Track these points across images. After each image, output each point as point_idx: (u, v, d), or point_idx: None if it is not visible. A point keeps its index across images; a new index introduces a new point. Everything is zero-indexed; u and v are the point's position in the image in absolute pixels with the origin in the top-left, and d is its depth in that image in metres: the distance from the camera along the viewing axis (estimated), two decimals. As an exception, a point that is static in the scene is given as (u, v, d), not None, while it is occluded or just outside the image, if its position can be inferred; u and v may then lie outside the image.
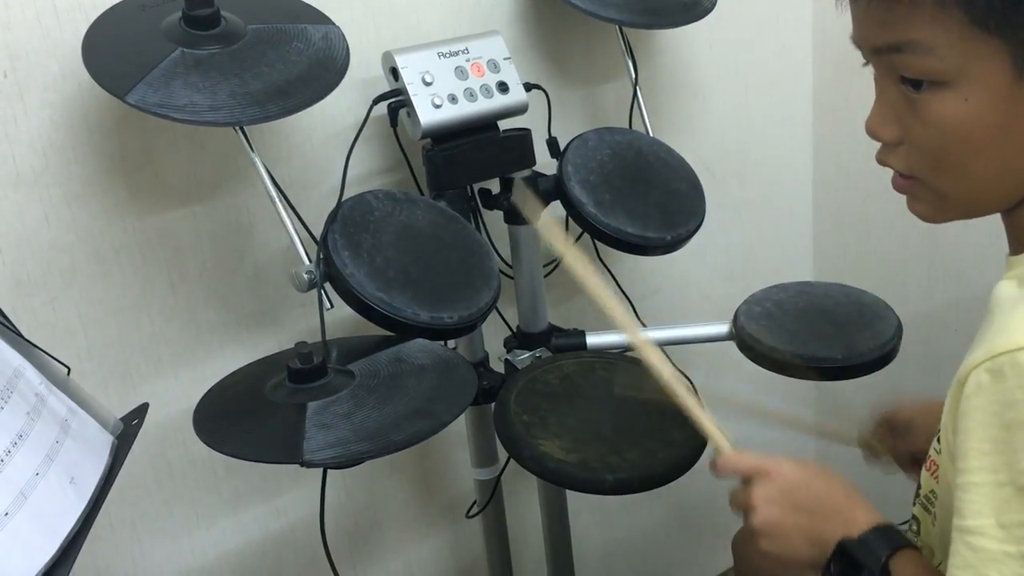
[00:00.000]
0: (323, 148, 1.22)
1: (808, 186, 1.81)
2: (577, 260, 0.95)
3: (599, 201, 1.23)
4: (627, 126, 1.42)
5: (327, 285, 1.05)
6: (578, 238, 1.38)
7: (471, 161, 1.18)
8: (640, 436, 1.04)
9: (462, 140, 1.17)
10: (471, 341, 1.26)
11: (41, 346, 0.80)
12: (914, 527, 0.84)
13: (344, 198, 1.10)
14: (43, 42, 1.01)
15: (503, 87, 1.18)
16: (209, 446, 0.90)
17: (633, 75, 1.37)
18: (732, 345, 1.26)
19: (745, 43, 1.61)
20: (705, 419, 0.87)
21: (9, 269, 1.05)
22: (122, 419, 0.84)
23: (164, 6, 1.01)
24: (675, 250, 1.27)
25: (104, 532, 1.18)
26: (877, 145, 0.77)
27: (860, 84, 0.84)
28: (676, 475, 1.00)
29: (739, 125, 1.66)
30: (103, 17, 1.00)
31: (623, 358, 1.20)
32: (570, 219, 1.27)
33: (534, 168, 1.23)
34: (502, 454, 1.28)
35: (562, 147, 1.28)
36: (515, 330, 1.34)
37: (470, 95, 1.16)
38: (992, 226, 0.77)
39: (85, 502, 0.71)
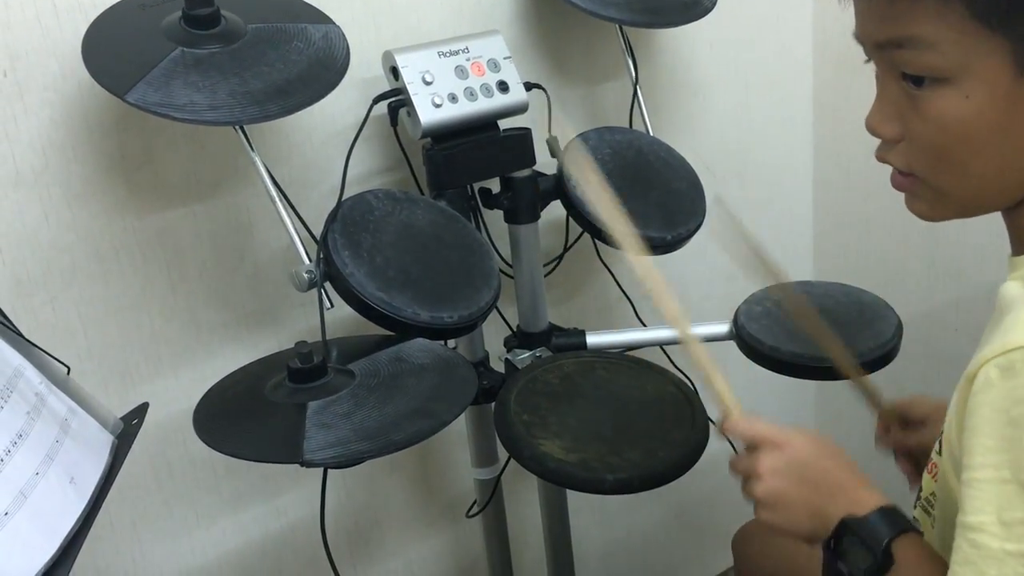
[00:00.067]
0: (323, 147, 1.22)
1: (808, 186, 1.81)
2: (608, 203, 0.93)
3: (599, 200, 1.23)
4: (627, 125, 1.42)
5: (327, 285, 1.04)
6: (579, 237, 1.38)
7: (471, 160, 1.18)
8: (640, 436, 1.04)
9: (462, 139, 1.17)
10: (471, 341, 1.26)
11: (41, 346, 0.80)
12: None
13: (344, 197, 1.10)
14: (43, 41, 1.01)
15: (503, 86, 1.18)
16: (209, 446, 0.90)
17: (633, 74, 1.37)
18: (733, 345, 1.25)
19: (745, 42, 1.61)
20: (718, 377, 0.85)
21: (9, 269, 1.05)
22: (122, 419, 0.84)
23: (164, 5, 1.01)
24: (675, 249, 1.27)
25: (104, 532, 1.18)
26: (877, 145, 0.77)
27: (860, 84, 0.84)
28: (676, 475, 1.00)
29: (739, 125, 1.66)
30: (103, 16, 1.00)
31: (624, 358, 1.20)
32: (571, 218, 1.27)
33: (534, 168, 1.23)
34: (502, 454, 1.28)
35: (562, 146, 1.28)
36: (515, 329, 1.34)
37: (470, 94, 1.16)
38: (992, 226, 0.77)
39: (85, 502, 0.71)
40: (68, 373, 0.83)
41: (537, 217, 1.25)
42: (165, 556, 1.24)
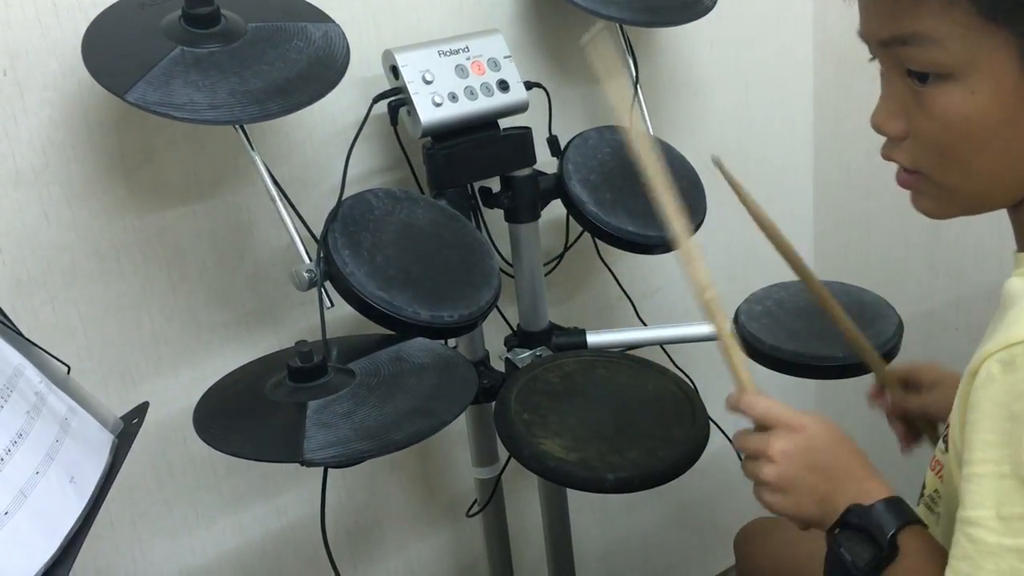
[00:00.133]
0: (323, 147, 1.22)
1: (809, 185, 1.81)
2: (643, 142, 0.92)
3: (600, 200, 1.23)
4: (628, 125, 1.42)
5: (327, 284, 1.04)
6: (579, 237, 1.38)
7: (471, 160, 1.18)
8: (641, 435, 1.04)
9: (462, 138, 1.17)
10: (471, 340, 1.26)
11: (41, 345, 0.80)
12: None
13: (344, 197, 1.10)
14: (43, 40, 1.01)
15: (503, 85, 1.18)
16: (209, 445, 0.90)
17: (634, 73, 1.37)
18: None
19: (746, 42, 1.61)
20: (737, 352, 0.83)
21: (9, 268, 1.05)
22: (122, 418, 0.84)
23: (164, 4, 1.01)
24: (676, 248, 1.27)
25: (104, 531, 1.18)
26: (878, 145, 0.77)
27: (861, 83, 0.84)
28: (677, 474, 1.00)
29: (740, 124, 1.66)
30: (103, 16, 1.00)
31: (624, 357, 1.20)
32: (571, 218, 1.27)
33: (535, 167, 1.23)
34: (503, 453, 1.28)
35: (562, 146, 1.28)
36: (515, 329, 1.34)
37: (470, 93, 1.16)
38: (993, 225, 0.77)
39: (85, 501, 0.71)
40: (68, 372, 0.83)
41: (537, 216, 1.25)
42: (165, 555, 1.24)
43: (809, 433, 0.77)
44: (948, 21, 0.64)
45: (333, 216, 1.07)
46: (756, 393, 0.82)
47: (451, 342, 1.18)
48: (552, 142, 1.29)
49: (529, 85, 1.22)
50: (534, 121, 1.26)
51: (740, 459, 1.29)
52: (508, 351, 1.31)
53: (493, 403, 1.13)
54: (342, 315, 1.10)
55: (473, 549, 1.54)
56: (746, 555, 1.22)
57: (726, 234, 1.67)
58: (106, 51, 0.96)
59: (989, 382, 0.63)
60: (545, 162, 1.27)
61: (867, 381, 1.19)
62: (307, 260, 1.04)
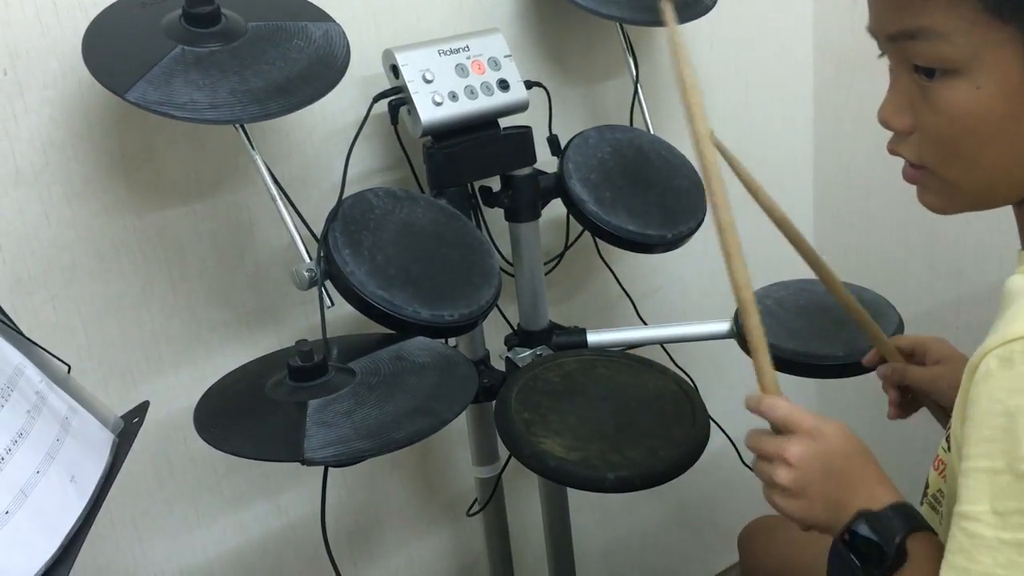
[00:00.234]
0: (323, 146, 1.22)
1: (809, 185, 1.81)
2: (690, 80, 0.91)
3: (600, 199, 1.23)
4: (628, 124, 1.42)
5: (328, 283, 1.04)
6: (579, 236, 1.38)
7: (472, 159, 1.18)
8: (641, 434, 1.04)
9: (463, 138, 1.17)
10: (472, 339, 1.26)
11: (41, 344, 0.80)
12: None
13: (345, 196, 1.10)
14: (43, 40, 1.01)
15: (504, 85, 1.18)
16: (210, 444, 0.90)
17: (634, 73, 1.37)
18: (733, 343, 1.25)
19: (746, 41, 1.61)
20: (764, 349, 0.82)
21: (9, 267, 1.05)
22: (123, 417, 0.84)
23: (164, 3, 1.01)
24: (676, 248, 1.27)
25: (105, 530, 1.18)
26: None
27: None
28: (677, 473, 1.00)
29: (740, 123, 1.66)
30: (103, 15, 1.00)
31: (624, 356, 1.20)
32: (571, 217, 1.27)
33: (535, 166, 1.23)
34: (503, 452, 1.28)
35: (563, 145, 1.28)
36: (516, 328, 1.34)
37: (471, 93, 1.16)
38: (994, 224, 0.77)
39: (86, 500, 0.71)
40: (69, 371, 0.83)
41: (538, 215, 1.25)
42: (166, 554, 1.24)
43: (827, 439, 0.77)
44: (955, 16, 0.65)
45: (333, 215, 1.07)
46: (778, 395, 0.81)
47: (451, 341, 1.18)
48: (552, 141, 1.29)
49: (529, 84, 1.22)
50: (534, 120, 1.26)
51: (739, 455, 1.29)
52: (508, 350, 1.31)
53: (493, 402, 1.13)
54: (342, 314, 1.10)
55: (473, 548, 1.54)
56: (750, 552, 1.22)
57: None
58: (106, 50, 0.96)
59: (987, 378, 0.64)
60: (545, 161, 1.27)
61: (868, 379, 1.19)
62: (307, 259, 1.04)
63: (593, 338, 1.29)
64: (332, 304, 1.04)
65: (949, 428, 0.75)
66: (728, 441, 1.51)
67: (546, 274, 1.32)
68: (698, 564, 1.88)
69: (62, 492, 0.70)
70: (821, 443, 0.77)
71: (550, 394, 1.10)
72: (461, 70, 1.16)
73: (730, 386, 1.72)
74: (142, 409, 0.86)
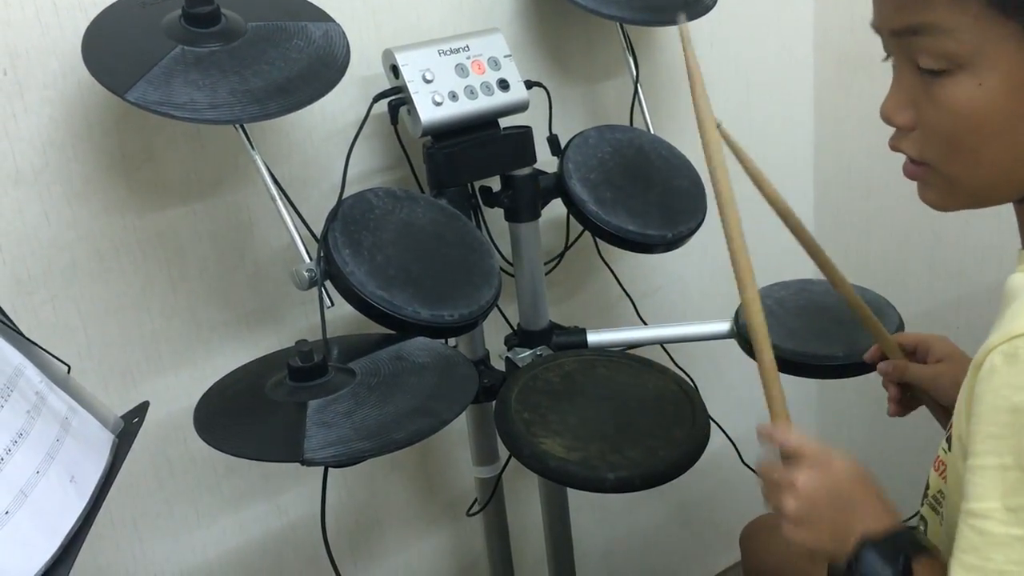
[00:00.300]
0: (323, 146, 1.22)
1: (809, 184, 1.81)
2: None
3: (600, 199, 1.23)
4: (628, 123, 1.42)
5: (327, 283, 1.04)
6: (579, 236, 1.38)
7: (472, 159, 1.18)
8: (641, 434, 1.04)
9: (463, 138, 1.17)
10: (472, 339, 1.26)
11: (41, 344, 0.80)
12: (921, 527, 0.84)
13: (344, 196, 1.10)
14: (43, 40, 1.01)
15: (504, 84, 1.18)
16: (210, 444, 0.90)
17: (634, 72, 1.37)
18: (733, 343, 1.25)
19: (746, 41, 1.61)
20: (775, 378, 0.83)
21: (9, 267, 1.05)
22: (123, 417, 0.84)
23: (164, 3, 1.01)
24: (676, 248, 1.27)
25: (105, 530, 1.18)
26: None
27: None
28: (677, 473, 1.00)
29: (740, 123, 1.65)
30: (103, 15, 1.00)
31: (624, 356, 1.20)
32: (571, 217, 1.27)
33: (535, 166, 1.23)
34: (503, 452, 1.28)
35: (563, 145, 1.28)
36: (516, 328, 1.34)
37: (471, 93, 1.16)
38: (994, 224, 0.77)
39: (85, 500, 0.71)
40: (68, 372, 0.83)
41: (538, 215, 1.25)
42: (166, 554, 1.24)
43: (835, 470, 0.77)
44: (959, 12, 0.65)
45: (333, 215, 1.07)
46: (789, 425, 0.81)
47: (451, 341, 1.18)
48: (552, 141, 1.29)
49: (529, 84, 1.22)
50: (534, 120, 1.26)
51: (739, 455, 1.29)
52: (508, 350, 1.31)
53: (493, 402, 1.13)
54: (342, 314, 1.10)
55: (473, 548, 1.54)
56: (751, 551, 1.22)
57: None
58: (106, 50, 0.96)
59: (992, 375, 0.64)
60: (545, 161, 1.27)
61: (868, 380, 1.19)
62: (307, 259, 1.04)
63: (593, 338, 1.29)
64: (332, 304, 1.04)
65: (950, 429, 0.75)
66: (728, 441, 1.51)
67: (546, 274, 1.32)
68: (698, 564, 1.88)
69: (62, 492, 0.70)
70: (828, 472, 0.77)
71: (550, 394, 1.10)
72: (461, 70, 1.16)
73: (730, 386, 1.73)
74: (142, 409, 0.86)
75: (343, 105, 1.21)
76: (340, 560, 1.12)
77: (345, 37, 1.07)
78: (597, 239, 1.30)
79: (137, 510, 1.20)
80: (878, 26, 0.73)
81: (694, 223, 1.27)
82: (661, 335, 1.32)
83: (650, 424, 1.06)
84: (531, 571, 1.59)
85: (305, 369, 0.95)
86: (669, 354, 1.46)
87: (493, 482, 1.34)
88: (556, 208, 1.27)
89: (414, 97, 1.13)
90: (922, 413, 1.04)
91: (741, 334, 1.23)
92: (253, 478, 1.28)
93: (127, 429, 0.82)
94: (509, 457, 1.29)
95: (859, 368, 1.15)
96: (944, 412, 0.98)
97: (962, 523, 0.65)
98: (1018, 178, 0.70)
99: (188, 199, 1.14)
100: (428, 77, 1.14)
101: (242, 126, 1.01)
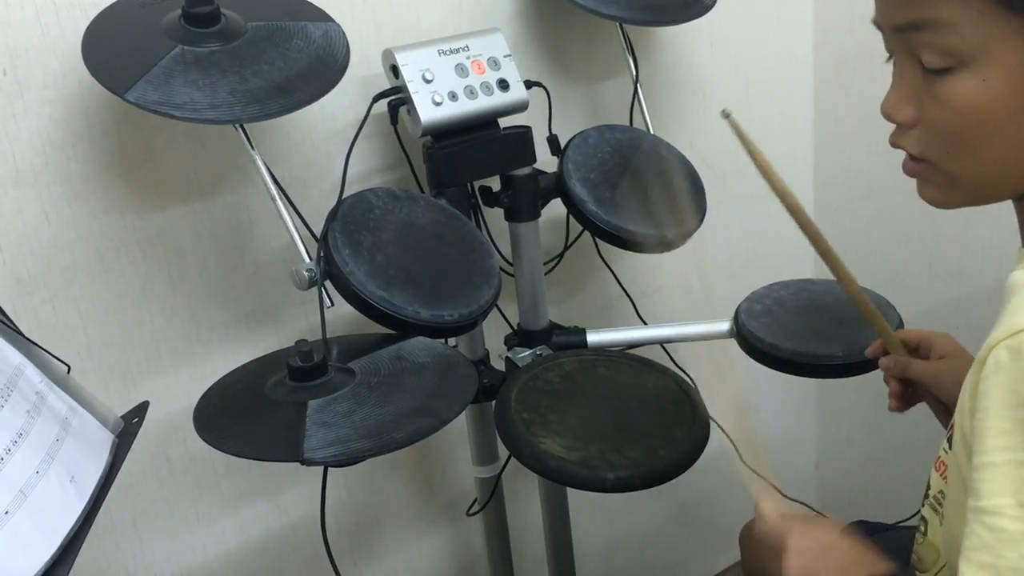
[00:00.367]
0: (323, 146, 1.22)
1: (809, 184, 1.81)
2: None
3: (600, 199, 1.23)
4: (628, 123, 1.42)
5: (327, 283, 1.04)
6: (579, 236, 1.38)
7: (471, 159, 1.18)
8: (641, 434, 1.04)
9: (462, 138, 1.17)
10: (471, 339, 1.26)
11: (41, 344, 0.80)
12: (922, 528, 0.84)
13: (344, 196, 1.10)
14: (42, 40, 1.01)
15: (503, 84, 1.18)
16: (210, 444, 0.89)
17: (634, 72, 1.37)
18: (733, 343, 1.25)
19: (746, 41, 1.61)
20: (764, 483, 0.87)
21: (9, 267, 1.05)
22: (122, 417, 0.84)
23: (164, 3, 1.01)
24: (676, 248, 1.27)
25: (104, 530, 1.18)
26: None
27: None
28: (677, 473, 1.00)
29: (740, 122, 1.66)
30: (103, 15, 1.00)
31: (624, 356, 1.20)
32: (571, 216, 1.27)
33: (535, 166, 1.23)
34: (503, 452, 1.28)
35: (562, 144, 1.28)
36: (516, 328, 1.34)
37: (470, 92, 1.16)
38: (994, 224, 0.77)
39: (85, 500, 0.71)
40: (68, 372, 0.83)
41: (537, 215, 1.25)
42: (166, 554, 1.24)
43: (821, 527, 0.81)
44: (964, 8, 0.65)
45: (333, 215, 1.07)
46: (777, 511, 0.85)
47: (451, 341, 1.18)
48: (552, 141, 1.29)
49: (529, 84, 1.22)
50: (534, 120, 1.26)
51: (739, 455, 1.29)
52: (508, 350, 1.31)
53: (493, 402, 1.13)
54: (342, 314, 1.10)
55: (473, 548, 1.54)
56: (751, 549, 1.22)
57: (726, 233, 1.67)
58: (106, 50, 0.96)
59: (997, 370, 0.63)
60: (545, 161, 1.27)
61: (868, 379, 1.19)
62: (307, 259, 1.04)
63: (593, 338, 1.29)
64: (332, 304, 1.04)
65: (951, 429, 0.75)
66: (728, 441, 1.51)
67: (546, 274, 1.32)
68: (698, 563, 1.88)
69: (62, 492, 0.70)
70: (809, 532, 0.81)
71: (550, 394, 1.10)
72: (461, 70, 1.16)
73: (728, 384, 1.73)
74: (142, 409, 0.86)
75: (343, 105, 1.21)
76: (340, 560, 1.12)
77: (345, 37, 1.07)
78: (597, 239, 1.30)
79: (137, 510, 1.20)
80: (880, 22, 0.73)
81: (694, 223, 1.27)
82: (661, 335, 1.32)
83: (650, 424, 1.06)
84: (531, 571, 1.59)
85: (305, 369, 0.95)
86: (669, 354, 1.46)
87: (493, 482, 1.34)
88: (556, 208, 1.27)
89: (414, 97, 1.13)
90: (922, 414, 1.03)
91: (741, 334, 1.23)
92: (253, 478, 1.28)
93: (127, 429, 0.82)
94: (509, 457, 1.29)
95: (859, 368, 1.15)
96: (944, 409, 0.98)
97: (972, 521, 0.65)
98: (1019, 176, 0.70)
99: (188, 199, 1.14)
100: (428, 77, 1.14)
101: (242, 126, 1.01)
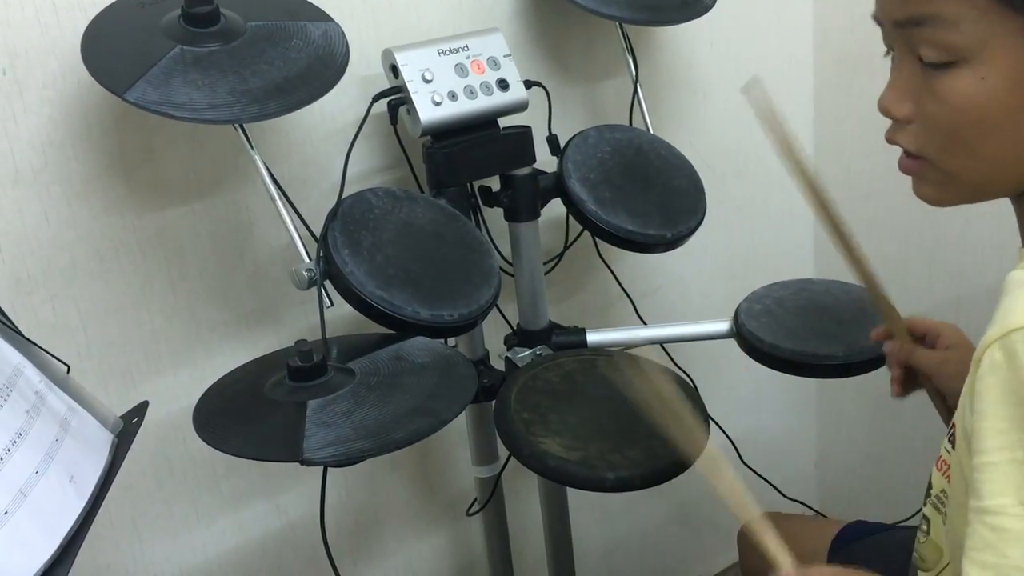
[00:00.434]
0: (323, 146, 1.22)
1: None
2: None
3: (600, 199, 1.23)
4: (627, 123, 1.42)
5: (327, 283, 1.04)
6: (579, 236, 1.38)
7: (471, 159, 1.18)
8: (641, 433, 1.04)
9: (462, 137, 1.17)
10: (471, 339, 1.26)
11: (41, 344, 0.80)
12: (924, 527, 0.84)
13: (344, 196, 1.10)
14: (42, 39, 1.01)
15: (503, 84, 1.18)
16: (209, 444, 0.89)
17: (633, 72, 1.37)
18: (733, 343, 1.25)
19: (746, 40, 1.61)
20: (771, 537, 0.85)
21: (9, 267, 1.05)
22: (122, 417, 0.84)
23: (163, 3, 1.01)
24: (676, 247, 1.27)
25: (104, 530, 1.18)
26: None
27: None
28: (677, 472, 1.00)
29: (740, 122, 1.66)
30: (102, 14, 1.00)
31: (624, 355, 1.20)
32: (571, 216, 1.27)
33: (534, 165, 1.23)
34: (502, 452, 1.28)
35: (562, 144, 1.28)
36: (515, 328, 1.34)
37: (470, 92, 1.16)
38: (994, 225, 0.77)
39: (85, 500, 0.71)
40: (68, 372, 0.83)
41: (537, 215, 1.25)
42: (165, 554, 1.24)
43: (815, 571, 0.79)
44: (965, 5, 0.65)
45: (333, 215, 1.07)
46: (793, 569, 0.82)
47: (451, 341, 1.18)
48: (552, 141, 1.29)
49: (529, 84, 1.22)
50: (534, 120, 1.26)
51: (739, 455, 1.29)
52: (508, 350, 1.31)
53: (493, 402, 1.13)
54: (342, 314, 1.10)
55: (473, 548, 1.54)
56: (749, 550, 1.22)
57: (726, 233, 1.67)
58: (105, 50, 0.96)
59: (993, 370, 0.63)
60: (545, 161, 1.27)
61: (868, 379, 1.19)
62: (307, 259, 1.04)
63: (593, 338, 1.29)
64: (331, 304, 1.04)
65: (952, 428, 0.74)
66: (728, 441, 1.51)
67: (546, 274, 1.32)
68: (698, 563, 1.88)
69: (61, 492, 0.70)
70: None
71: (550, 394, 1.09)
72: (460, 70, 1.16)
73: (730, 386, 1.73)
74: (141, 409, 0.86)
75: (343, 105, 1.21)
76: (339, 560, 1.12)
77: (344, 37, 1.07)
78: (596, 239, 1.30)
79: (137, 510, 1.20)
80: (880, 17, 0.72)
81: (694, 223, 1.27)
82: (661, 335, 1.32)
83: (650, 424, 1.06)
84: (531, 571, 1.59)
85: (304, 369, 0.95)
86: (669, 354, 1.46)
87: (493, 482, 1.34)
88: (556, 208, 1.27)
89: (413, 97, 1.13)
90: (922, 414, 1.03)
91: (741, 334, 1.23)
92: (253, 478, 1.28)
93: (126, 429, 0.82)
94: (509, 457, 1.29)
95: (859, 368, 1.15)
96: (943, 400, 0.98)
97: (975, 521, 0.65)
98: (1015, 174, 0.70)
99: (187, 199, 1.14)
100: (428, 77, 1.14)
101: (241, 126, 1.01)
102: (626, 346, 1.30)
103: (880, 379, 1.11)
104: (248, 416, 0.95)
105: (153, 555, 1.23)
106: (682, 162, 1.33)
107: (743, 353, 1.24)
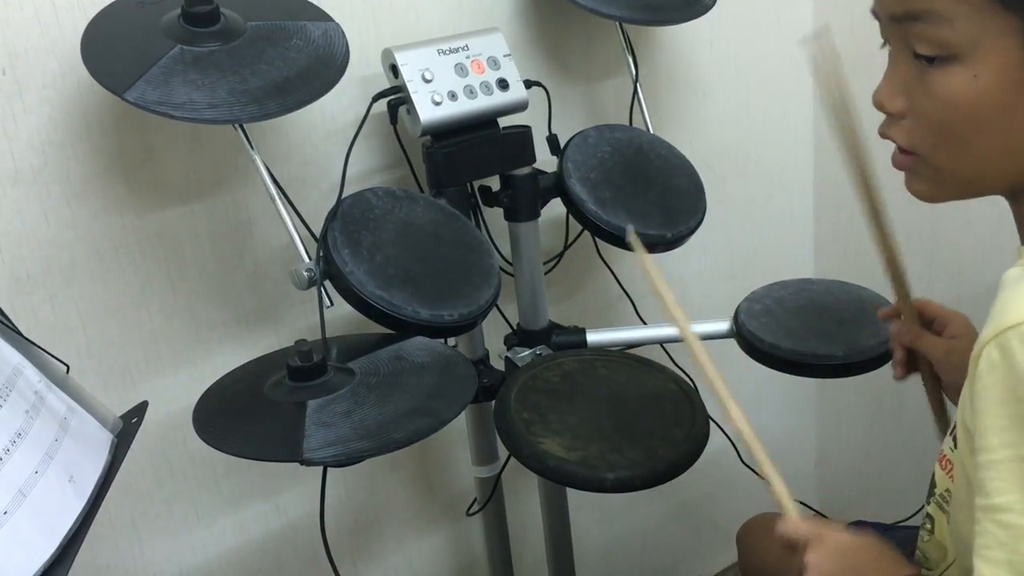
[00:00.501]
0: (323, 145, 1.22)
1: (809, 183, 1.81)
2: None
3: (599, 198, 1.23)
4: (627, 123, 1.42)
5: (327, 283, 1.04)
6: (579, 235, 1.38)
7: (471, 158, 1.18)
8: (641, 434, 1.04)
9: (462, 137, 1.17)
10: (471, 339, 1.26)
11: (40, 344, 0.80)
12: (928, 526, 0.84)
13: (344, 196, 1.10)
14: (42, 39, 1.01)
15: (503, 84, 1.18)
16: (209, 444, 0.89)
17: (633, 72, 1.36)
18: (733, 343, 1.25)
19: (746, 40, 1.61)
20: (780, 483, 0.84)
21: (8, 267, 1.05)
22: (121, 417, 0.84)
23: (163, 3, 1.01)
24: (676, 247, 1.27)
25: (104, 530, 1.18)
26: (878, 144, 0.77)
27: (861, 82, 0.84)
28: (677, 473, 1.00)
29: (740, 122, 1.66)
30: (102, 14, 1.00)
31: (624, 355, 1.20)
32: (571, 216, 1.27)
33: (534, 165, 1.23)
34: (502, 452, 1.28)
35: (562, 144, 1.28)
36: (515, 327, 1.34)
37: (470, 92, 1.16)
38: (993, 225, 0.77)
39: (84, 500, 0.71)
40: (67, 371, 0.83)
41: (537, 215, 1.25)
42: (165, 554, 1.24)
43: (830, 538, 0.78)
44: (960, 1, 0.65)
45: (333, 215, 1.07)
46: (797, 518, 0.81)
47: (451, 341, 1.18)
48: (552, 141, 1.29)
49: (529, 84, 1.22)
50: (534, 120, 1.26)
51: (739, 455, 1.30)
52: (508, 350, 1.31)
53: (493, 402, 1.13)
54: (342, 314, 1.10)
55: (473, 548, 1.54)
56: (748, 550, 1.22)
57: (726, 233, 1.67)
58: (105, 50, 0.96)
59: (991, 368, 0.64)
60: (545, 161, 1.27)
61: (868, 379, 1.19)
62: (307, 259, 1.04)
63: (593, 338, 1.29)
64: (331, 304, 1.04)
65: (954, 428, 0.75)
66: (728, 441, 1.51)
67: (546, 274, 1.32)
68: (697, 563, 1.88)
69: (61, 492, 0.69)
70: (829, 543, 0.77)
71: (550, 394, 1.09)
72: (460, 69, 1.16)
73: (730, 386, 1.72)
74: (141, 409, 0.86)
75: (342, 105, 1.21)
76: (339, 560, 1.12)
77: (344, 37, 1.07)
78: (596, 239, 1.30)
79: (136, 510, 1.20)
80: (878, 11, 0.73)
81: (694, 223, 1.27)
82: (661, 335, 1.32)
83: (650, 424, 1.06)
84: (531, 571, 1.59)
85: (304, 369, 0.95)
86: (669, 354, 1.46)
87: (492, 482, 1.34)
88: (555, 208, 1.27)
89: (413, 97, 1.13)
90: (921, 415, 1.03)
91: (741, 333, 1.23)
92: (252, 478, 1.28)
93: (126, 429, 0.82)
94: (508, 457, 1.29)
95: (859, 368, 1.15)
96: (936, 387, 0.97)
97: (983, 519, 0.65)
98: (1006, 170, 0.71)
99: (187, 199, 1.14)
100: (427, 77, 1.14)
101: (241, 126, 1.01)
102: (626, 346, 1.30)
103: (880, 379, 1.11)
104: (248, 416, 0.95)
105: (153, 555, 1.23)
106: (682, 162, 1.33)
107: (743, 353, 1.24)
